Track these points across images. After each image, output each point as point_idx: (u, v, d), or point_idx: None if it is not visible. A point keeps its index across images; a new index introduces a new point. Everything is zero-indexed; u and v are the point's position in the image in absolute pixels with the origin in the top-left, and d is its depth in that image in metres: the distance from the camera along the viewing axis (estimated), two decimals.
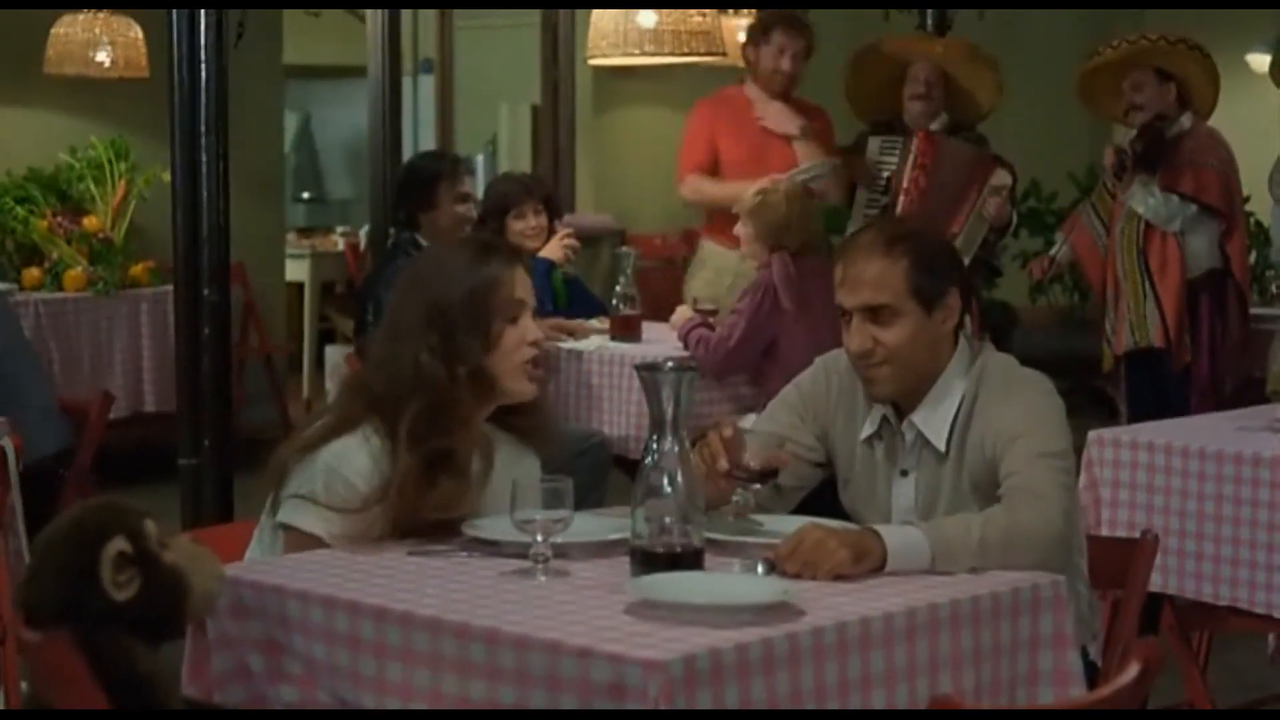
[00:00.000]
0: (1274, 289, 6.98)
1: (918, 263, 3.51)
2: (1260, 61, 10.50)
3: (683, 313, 6.50)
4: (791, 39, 7.28)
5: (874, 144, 7.46)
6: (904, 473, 3.60)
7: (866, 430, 3.63)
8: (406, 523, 3.39)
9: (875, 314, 3.51)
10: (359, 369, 3.62)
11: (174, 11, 5.56)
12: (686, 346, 6.27)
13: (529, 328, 3.48)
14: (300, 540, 3.38)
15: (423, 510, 3.38)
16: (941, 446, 3.54)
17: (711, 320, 6.42)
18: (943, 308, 3.53)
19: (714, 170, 7.32)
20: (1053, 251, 7.70)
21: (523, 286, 3.51)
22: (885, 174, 7.33)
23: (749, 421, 6.39)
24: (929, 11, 8.58)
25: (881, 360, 3.52)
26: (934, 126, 7.36)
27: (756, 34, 7.42)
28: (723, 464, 3.37)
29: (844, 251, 3.60)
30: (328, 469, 3.38)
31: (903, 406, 3.59)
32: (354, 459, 3.38)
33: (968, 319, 3.68)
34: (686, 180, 7.35)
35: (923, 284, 3.51)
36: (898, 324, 3.50)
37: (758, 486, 3.45)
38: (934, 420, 3.55)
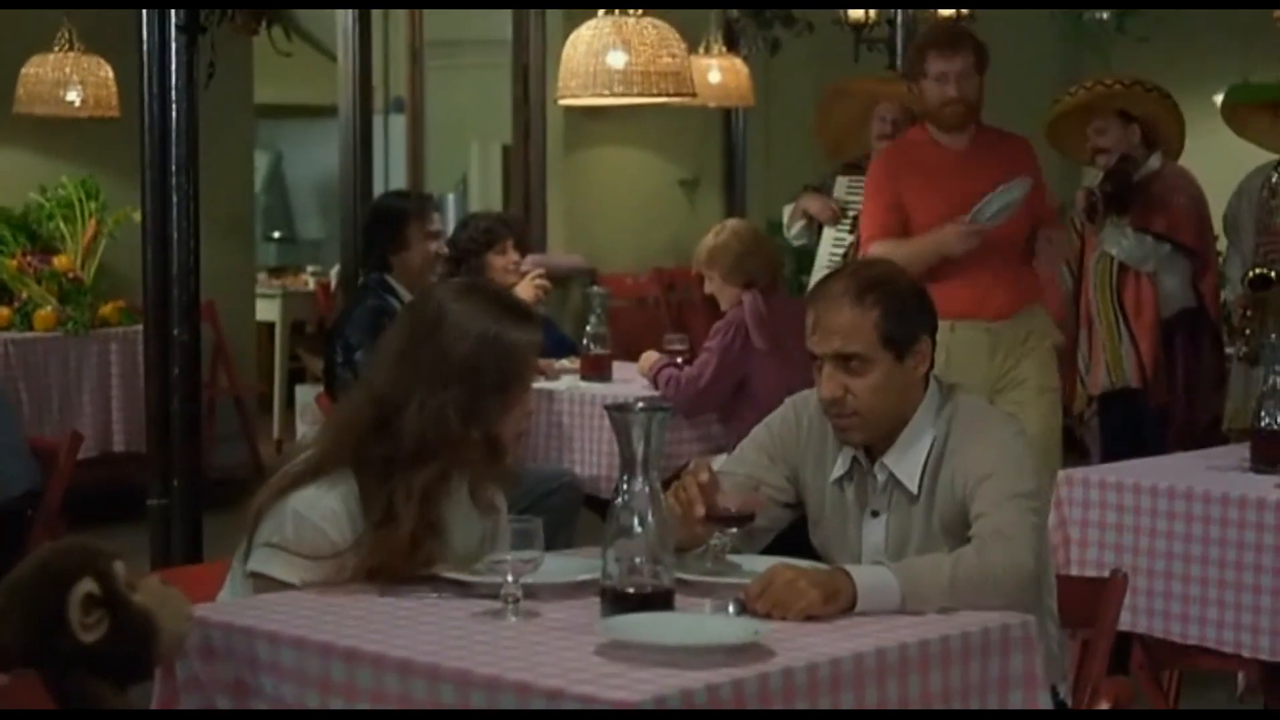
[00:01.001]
0: (1236, 324, 7.00)
1: (889, 311, 3.51)
2: None
3: (648, 357, 6.50)
4: (947, 60, 6.08)
5: (841, 183, 7.49)
6: (874, 514, 3.60)
7: (837, 471, 3.63)
8: (383, 572, 3.37)
9: (846, 362, 3.52)
10: (342, 409, 3.57)
11: (145, 51, 5.56)
12: (656, 386, 6.27)
13: (531, 398, 3.49)
14: (270, 588, 3.37)
15: (408, 568, 3.36)
16: (913, 488, 3.54)
17: (680, 360, 6.42)
18: (914, 354, 3.54)
19: (906, 233, 6.08)
20: None
21: (536, 356, 3.51)
22: (852, 213, 7.35)
23: (719, 461, 6.40)
24: (898, 53, 8.63)
25: (852, 410, 3.52)
26: None
27: (912, 68, 6.29)
28: (700, 510, 3.37)
29: (816, 298, 3.60)
30: (296, 516, 3.36)
31: (874, 448, 3.59)
32: (324, 506, 3.37)
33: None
34: (870, 250, 6.06)
35: (894, 332, 3.51)
36: (869, 373, 3.51)
37: (734, 530, 3.45)
38: (906, 463, 3.55)
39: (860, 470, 3.62)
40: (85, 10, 8.40)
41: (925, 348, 3.56)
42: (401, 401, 3.37)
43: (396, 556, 3.33)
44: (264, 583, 3.38)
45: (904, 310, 3.54)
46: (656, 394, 6.20)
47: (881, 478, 3.58)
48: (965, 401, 3.60)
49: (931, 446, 3.54)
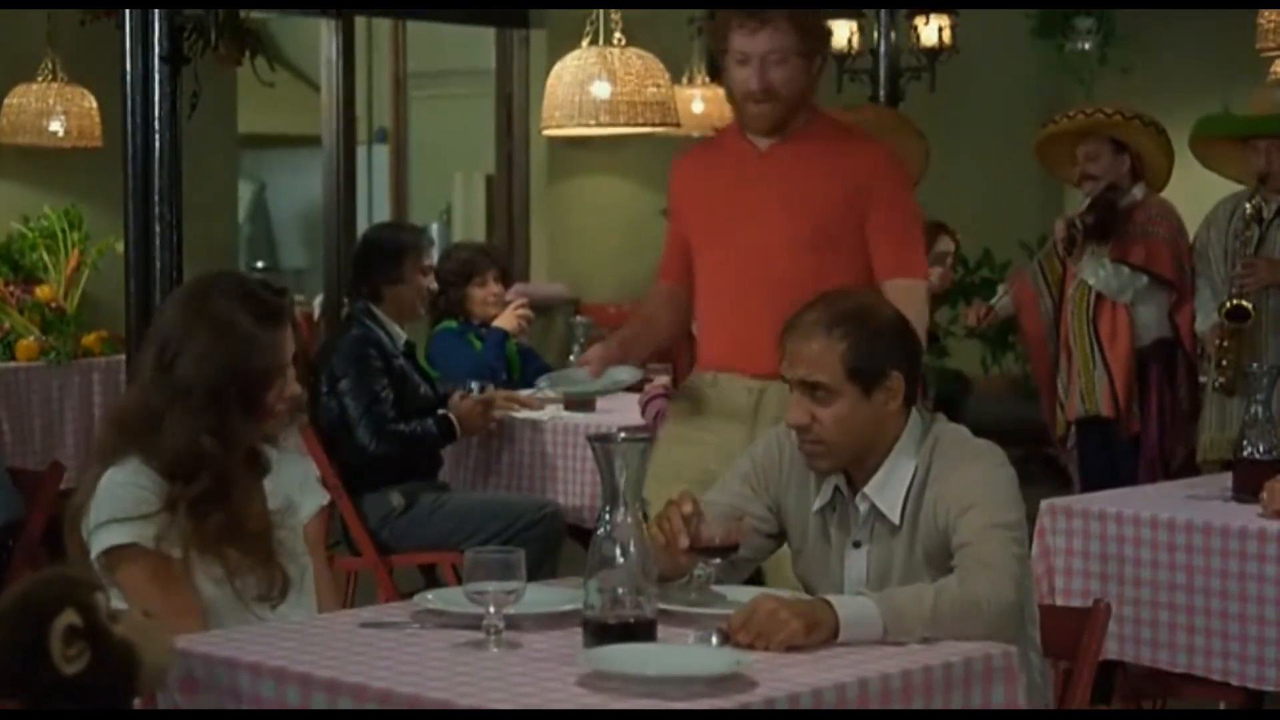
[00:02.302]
0: (1210, 353, 7.02)
1: (857, 345, 3.52)
2: None
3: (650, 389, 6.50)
4: (750, 34, 4.58)
5: None
6: (856, 544, 3.60)
7: (819, 501, 3.63)
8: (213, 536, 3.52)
9: (813, 390, 3.53)
10: (121, 407, 3.75)
11: (128, 81, 5.56)
12: (644, 415, 6.28)
13: (289, 382, 3.61)
14: (122, 561, 3.47)
15: (222, 531, 3.51)
16: (895, 519, 3.55)
17: (667, 392, 6.42)
18: (883, 389, 3.54)
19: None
20: (993, 300, 7.73)
21: (287, 346, 3.61)
22: None
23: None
24: (881, 83, 8.66)
25: (816, 438, 3.53)
26: None
27: (716, 41, 4.82)
28: (684, 541, 3.37)
29: (790, 325, 3.61)
30: (108, 489, 3.51)
31: (854, 478, 3.60)
32: (125, 472, 3.51)
33: (917, 393, 3.68)
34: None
35: (861, 366, 3.52)
36: (834, 404, 3.51)
37: (718, 561, 3.44)
38: (887, 493, 3.56)
39: (842, 501, 3.62)
40: (69, 40, 8.40)
41: (896, 383, 3.55)
42: (157, 420, 3.53)
43: (210, 524, 3.50)
44: (113, 558, 3.48)
45: (874, 345, 3.54)
46: (641, 423, 6.21)
47: (863, 508, 3.59)
48: (947, 431, 3.61)
49: (913, 477, 3.55)
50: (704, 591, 3.43)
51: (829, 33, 4.69)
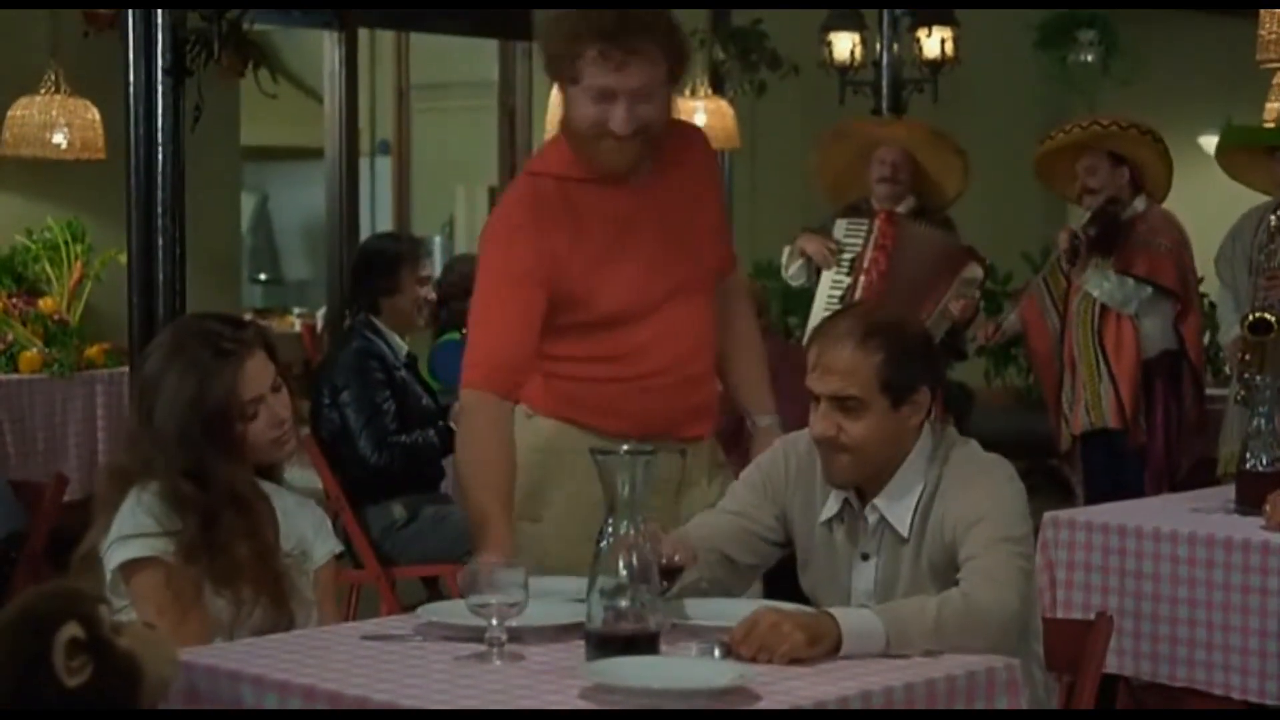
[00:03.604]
0: (1227, 370, 7.01)
1: (891, 358, 3.51)
2: (1211, 143, 10.59)
3: None
4: (614, 66, 3.76)
5: (840, 226, 7.48)
6: (865, 556, 3.60)
7: (827, 512, 3.63)
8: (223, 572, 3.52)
9: (843, 403, 3.51)
10: (114, 461, 3.77)
11: (131, 93, 5.57)
12: None
13: (273, 411, 3.61)
14: (139, 572, 3.48)
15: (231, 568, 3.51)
16: (904, 531, 3.54)
17: None
18: (910, 403, 3.53)
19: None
20: (1000, 318, 7.73)
21: (255, 377, 3.59)
22: (849, 256, 7.34)
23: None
24: (884, 95, 8.67)
25: (842, 449, 3.53)
26: (900, 209, 7.40)
27: (557, 60, 3.87)
28: None
29: (820, 335, 3.60)
30: (129, 512, 3.51)
31: (864, 490, 3.59)
32: (151, 489, 3.52)
33: (933, 408, 3.68)
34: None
35: (893, 380, 3.51)
36: (864, 417, 3.50)
37: (664, 584, 3.40)
38: (897, 506, 3.55)
39: (851, 512, 3.62)
40: (72, 53, 8.40)
41: (923, 398, 3.55)
42: (148, 467, 3.55)
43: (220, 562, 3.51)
44: (130, 569, 3.49)
45: (908, 359, 3.53)
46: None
47: (872, 519, 3.58)
48: (958, 445, 3.60)
49: (923, 490, 3.54)
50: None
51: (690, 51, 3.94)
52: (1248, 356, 6.78)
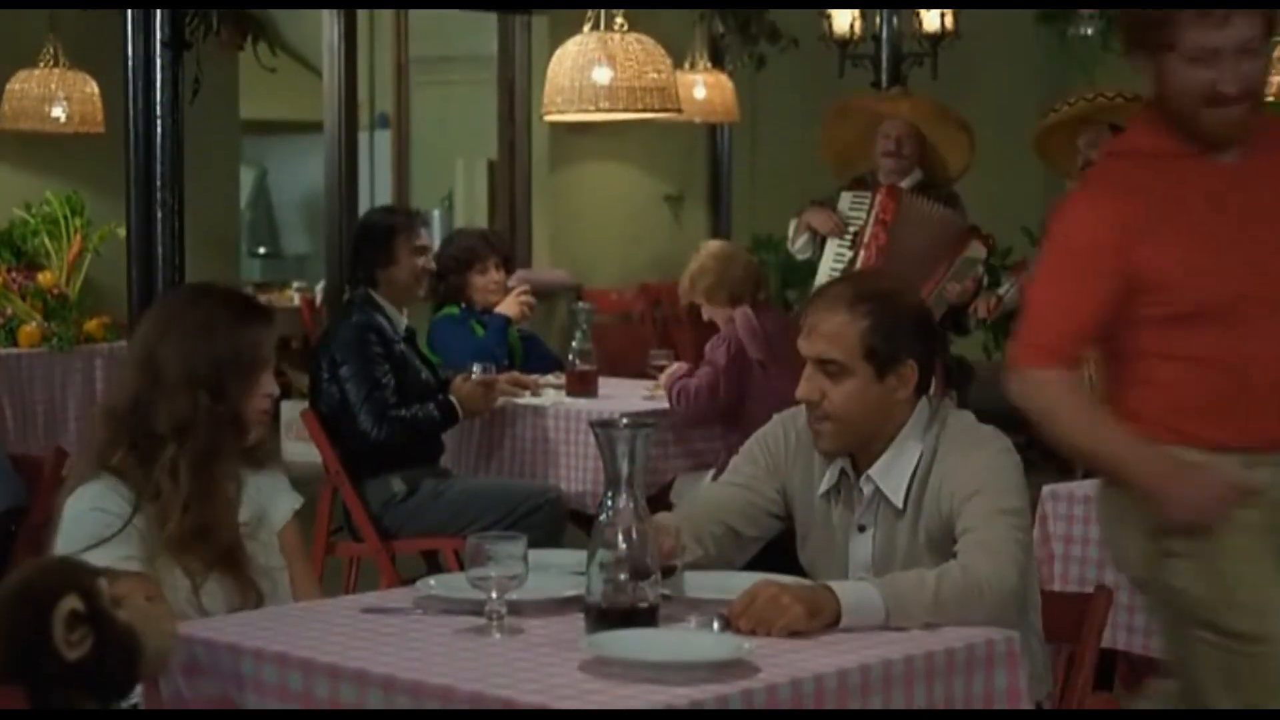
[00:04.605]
0: None
1: (878, 326, 3.51)
2: None
3: (674, 371, 6.52)
4: (1219, 25, 3.50)
5: (845, 199, 7.48)
6: (861, 528, 3.61)
7: (825, 485, 3.64)
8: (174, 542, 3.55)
9: (825, 366, 3.53)
10: (106, 408, 3.77)
11: (130, 67, 5.56)
12: (670, 398, 6.32)
13: (270, 381, 3.71)
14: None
15: (188, 535, 3.55)
16: (899, 503, 3.55)
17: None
18: (895, 375, 3.54)
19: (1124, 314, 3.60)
20: (1000, 290, 7.72)
21: (272, 345, 3.75)
22: (853, 229, 7.34)
23: (707, 480, 6.44)
24: (884, 68, 8.66)
25: (824, 415, 3.54)
26: (905, 184, 7.39)
27: (1150, 34, 3.60)
28: None
29: (813, 299, 3.63)
30: (73, 518, 3.55)
31: (859, 462, 3.60)
32: (90, 494, 3.55)
33: (933, 381, 3.67)
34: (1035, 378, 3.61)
35: (878, 347, 3.51)
36: (846, 382, 3.52)
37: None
38: (891, 477, 3.56)
39: (847, 484, 3.62)
40: (71, 26, 8.40)
41: (910, 371, 3.55)
42: (156, 391, 3.60)
43: (174, 519, 3.55)
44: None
45: (895, 329, 3.54)
46: (667, 405, 6.30)
47: (867, 490, 3.59)
48: (954, 416, 3.61)
49: (918, 462, 3.55)
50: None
51: None
52: None
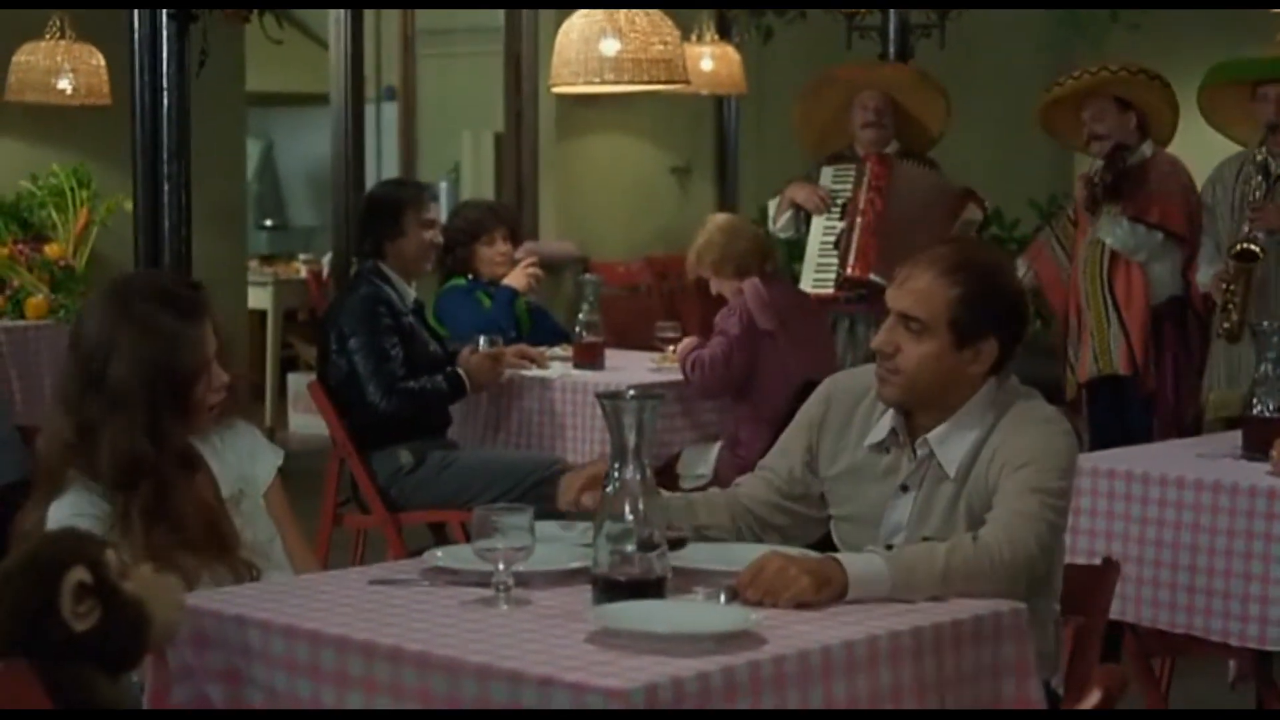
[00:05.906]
0: (1218, 300, 7.00)
1: (968, 296, 3.50)
2: None
3: (688, 343, 6.53)
4: None
5: (827, 173, 7.50)
6: (905, 488, 3.58)
7: (873, 437, 3.62)
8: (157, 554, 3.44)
9: (907, 322, 3.52)
10: (54, 432, 3.62)
11: (136, 39, 5.55)
12: (684, 368, 6.32)
13: (219, 372, 3.58)
14: None
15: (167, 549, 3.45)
16: (951, 472, 3.52)
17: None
18: (974, 349, 3.51)
19: None
20: (1018, 274, 7.72)
21: (210, 338, 3.58)
22: (840, 201, 7.36)
23: (714, 452, 6.44)
24: (891, 39, 8.63)
25: (895, 369, 3.52)
26: (886, 152, 7.42)
27: None
28: (588, 501, 3.42)
29: (916, 257, 3.59)
30: (58, 522, 3.43)
31: (914, 424, 3.58)
32: (66, 506, 3.48)
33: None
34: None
35: (963, 318, 3.50)
36: (924, 343, 3.50)
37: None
38: (950, 448, 3.53)
39: (896, 442, 3.59)
40: None
41: (989, 349, 3.52)
42: (92, 433, 3.49)
43: (152, 546, 3.43)
44: None
45: (985, 303, 3.52)
46: (673, 378, 6.35)
47: (921, 453, 3.56)
48: (1020, 395, 3.58)
49: (979, 437, 3.52)
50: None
51: None
52: (1231, 287, 6.77)
